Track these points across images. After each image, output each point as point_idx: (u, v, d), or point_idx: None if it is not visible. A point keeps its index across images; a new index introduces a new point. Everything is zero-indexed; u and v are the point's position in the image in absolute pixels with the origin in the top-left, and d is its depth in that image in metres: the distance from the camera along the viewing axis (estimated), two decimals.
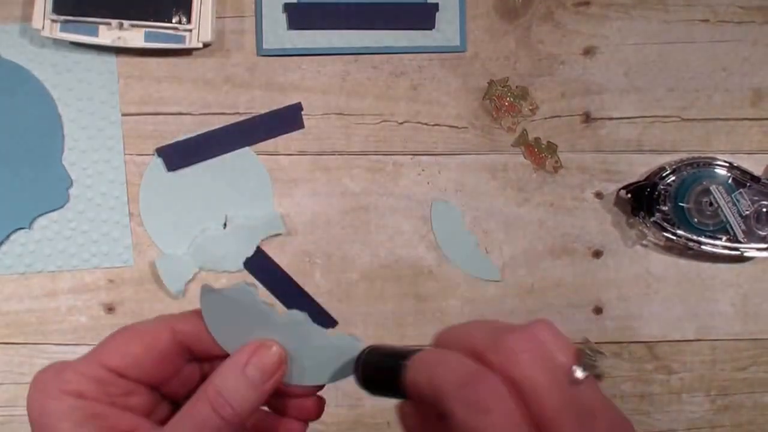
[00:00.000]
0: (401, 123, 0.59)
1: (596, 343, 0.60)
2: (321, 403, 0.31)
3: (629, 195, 0.58)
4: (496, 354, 0.24)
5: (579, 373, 0.24)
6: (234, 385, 0.28)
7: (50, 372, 0.28)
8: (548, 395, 0.23)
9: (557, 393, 0.23)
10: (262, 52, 0.59)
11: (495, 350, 0.24)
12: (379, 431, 0.59)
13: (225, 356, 0.29)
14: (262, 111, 0.59)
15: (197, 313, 0.30)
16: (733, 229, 0.57)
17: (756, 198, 0.57)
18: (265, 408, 0.31)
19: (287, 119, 0.59)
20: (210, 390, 0.27)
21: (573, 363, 0.24)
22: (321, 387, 0.31)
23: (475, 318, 0.59)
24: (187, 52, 0.59)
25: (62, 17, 0.55)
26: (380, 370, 0.28)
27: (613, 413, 0.24)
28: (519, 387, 0.23)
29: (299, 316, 0.30)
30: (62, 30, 0.56)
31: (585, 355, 0.25)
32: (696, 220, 0.57)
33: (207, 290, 0.30)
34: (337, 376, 0.30)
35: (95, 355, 0.28)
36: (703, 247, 0.57)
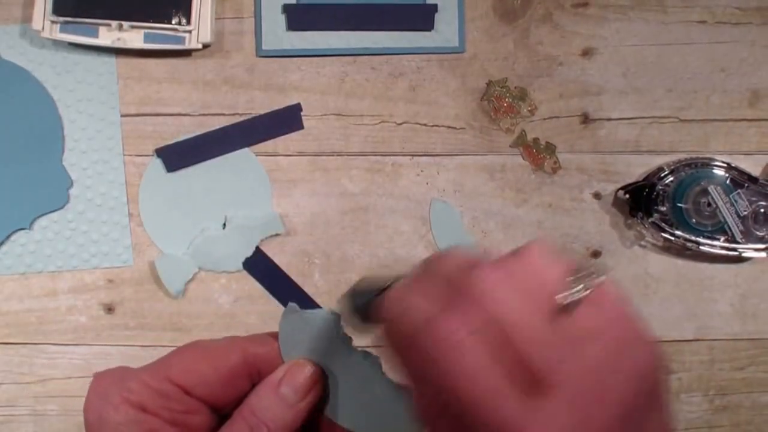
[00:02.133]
0: (400, 124, 0.60)
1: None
2: None
3: (627, 195, 0.58)
4: (459, 293, 0.22)
5: (566, 298, 0.22)
6: (268, 405, 0.27)
7: (113, 377, 0.27)
8: (523, 330, 0.21)
9: (533, 326, 0.21)
10: (261, 53, 0.59)
11: (470, 283, 0.22)
12: None
13: None
14: (262, 112, 0.59)
15: (269, 337, 0.29)
16: (731, 230, 0.57)
17: (754, 198, 0.57)
18: None
19: (286, 120, 0.59)
20: (245, 410, 0.27)
21: (560, 285, 0.22)
22: None
23: None
24: (186, 53, 0.59)
25: (62, 18, 0.56)
26: (364, 302, 0.28)
27: (616, 331, 0.22)
28: (486, 327, 0.21)
29: (372, 359, 0.29)
30: (62, 31, 0.56)
31: (579, 274, 0.23)
32: (694, 220, 0.57)
33: (291, 310, 0.29)
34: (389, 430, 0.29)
35: (161, 367, 0.27)
36: (701, 247, 0.57)
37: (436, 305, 0.23)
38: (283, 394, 0.27)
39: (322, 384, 0.28)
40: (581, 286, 0.22)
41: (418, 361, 0.23)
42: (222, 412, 0.28)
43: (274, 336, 0.29)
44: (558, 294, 0.22)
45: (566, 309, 0.22)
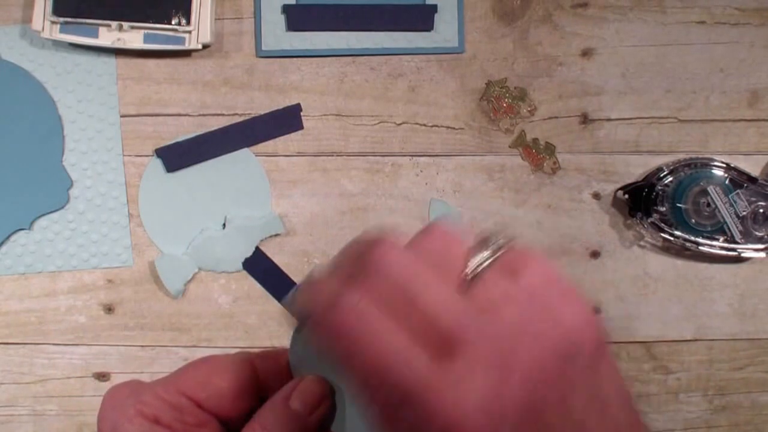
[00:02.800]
0: (399, 124, 0.60)
1: None
2: None
3: (627, 196, 0.58)
4: (375, 261, 0.22)
5: (476, 267, 0.21)
6: (278, 419, 0.27)
7: (127, 389, 0.27)
8: (432, 297, 0.20)
9: (443, 294, 0.21)
10: (260, 54, 0.59)
11: (376, 257, 0.22)
12: None
13: None
14: (261, 112, 0.59)
15: (282, 353, 0.29)
16: (730, 230, 0.57)
17: (753, 199, 0.57)
18: None
19: (286, 120, 0.59)
20: (256, 424, 0.27)
21: (469, 256, 0.22)
22: None
23: None
24: (186, 53, 0.59)
25: (62, 19, 0.56)
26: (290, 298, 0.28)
27: (534, 294, 0.21)
28: (402, 294, 0.21)
29: None
30: (62, 31, 0.56)
31: (487, 242, 0.22)
32: (693, 220, 0.57)
33: (299, 328, 0.29)
34: None
35: (174, 381, 0.27)
36: (700, 247, 0.58)
37: (342, 283, 0.22)
38: (293, 408, 0.27)
39: (332, 399, 0.29)
40: (487, 253, 0.22)
41: (331, 345, 0.22)
42: (231, 426, 0.29)
43: (285, 352, 0.29)
44: (469, 261, 0.22)
45: (477, 279, 0.22)
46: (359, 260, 0.22)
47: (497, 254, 0.22)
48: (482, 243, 0.22)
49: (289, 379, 0.28)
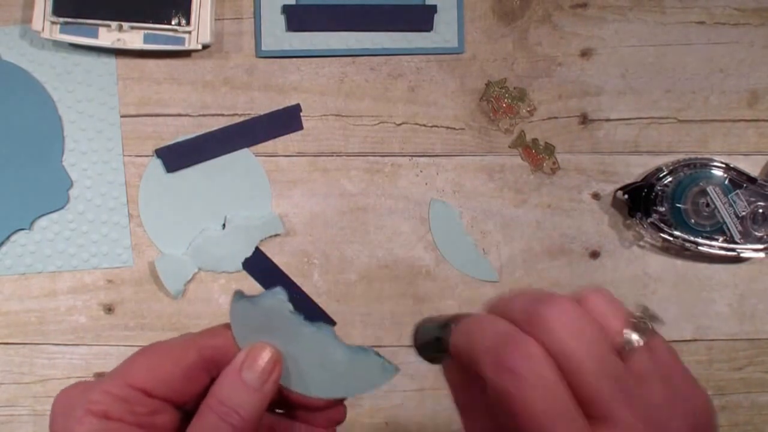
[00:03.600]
0: (399, 124, 0.60)
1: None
2: (344, 411, 0.32)
3: (626, 196, 0.58)
4: (530, 324, 0.24)
5: (628, 341, 0.23)
6: (233, 392, 0.28)
7: (76, 391, 0.28)
8: (584, 364, 0.22)
9: (594, 362, 0.22)
10: (260, 54, 0.59)
11: (530, 319, 0.24)
12: (377, 431, 0.59)
13: None
14: (261, 112, 0.59)
15: (223, 328, 0.30)
16: (729, 230, 0.57)
17: (752, 199, 0.57)
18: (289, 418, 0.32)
19: (286, 120, 0.59)
20: (212, 400, 0.28)
21: (621, 330, 0.23)
22: (342, 399, 0.31)
23: None
24: (186, 53, 0.59)
25: (62, 19, 0.56)
26: (431, 336, 0.29)
27: (672, 376, 0.24)
28: (555, 357, 0.22)
29: (324, 328, 0.30)
30: (62, 32, 0.56)
31: (635, 322, 0.24)
32: (693, 221, 0.57)
33: (238, 297, 0.30)
34: (359, 389, 0.30)
35: (121, 373, 0.28)
36: (699, 247, 0.58)
37: (508, 333, 0.24)
38: (246, 379, 0.28)
39: (281, 364, 0.29)
40: (639, 333, 0.24)
41: (492, 382, 0.23)
42: (186, 407, 0.29)
43: (227, 327, 0.30)
44: (619, 338, 0.24)
45: (624, 353, 0.23)
46: (527, 312, 0.24)
47: (646, 337, 0.24)
48: (633, 322, 0.24)
49: (236, 351, 0.29)
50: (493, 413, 0.24)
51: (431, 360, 0.29)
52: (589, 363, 0.22)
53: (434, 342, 0.28)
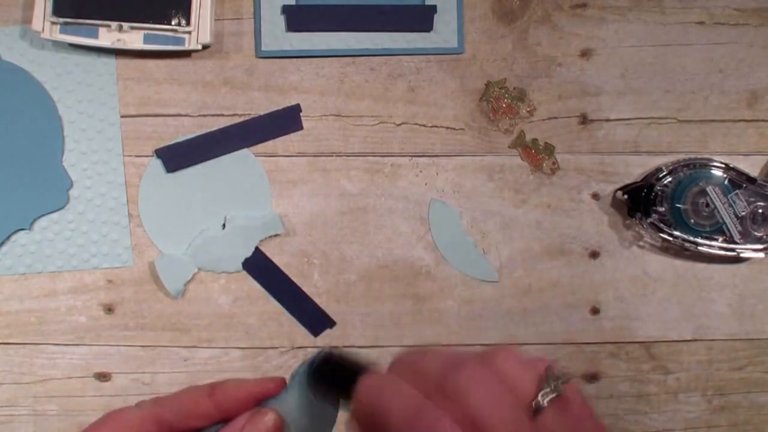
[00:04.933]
0: (399, 124, 0.60)
1: (594, 343, 0.60)
2: None
3: (626, 196, 0.58)
4: (442, 390, 0.24)
5: (541, 398, 0.24)
6: None
7: None
8: (504, 428, 0.23)
9: (513, 425, 0.23)
10: (260, 54, 0.59)
11: (447, 385, 0.24)
12: None
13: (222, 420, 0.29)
14: (261, 112, 0.59)
15: (178, 397, 0.29)
16: (729, 230, 0.57)
17: (752, 199, 0.57)
18: None
19: (286, 120, 0.59)
20: None
21: (532, 389, 0.24)
22: None
23: (473, 318, 0.60)
24: (186, 53, 0.59)
25: (62, 19, 0.56)
26: (333, 379, 0.28)
27: (582, 426, 0.24)
28: (468, 424, 0.23)
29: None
30: (62, 32, 0.56)
31: (547, 381, 0.25)
32: (692, 221, 0.57)
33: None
34: None
35: None
36: (699, 248, 0.58)
37: (419, 400, 0.24)
38: None
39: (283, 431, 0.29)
40: (550, 389, 0.24)
41: None
42: None
43: (188, 389, 0.29)
44: (531, 398, 0.24)
45: (537, 411, 0.24)
46: (437, 378, 0.24)
47: (558, 393, 0.24)
48: (545, 380, 0.25)
49: (190, 425, 0.28)
50: None
51: (325, 392, 0.29)
52: (508, 425, 0.23)
53: (340, 379, 0.28)
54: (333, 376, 0.29)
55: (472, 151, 0.60)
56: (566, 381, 0.25)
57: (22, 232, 0.58)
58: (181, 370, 0.59)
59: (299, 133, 0.60)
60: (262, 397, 0.29)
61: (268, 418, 0.28)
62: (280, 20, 0.59)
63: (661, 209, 0.58)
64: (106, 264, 0.59)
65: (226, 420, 0.29)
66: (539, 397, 0.24)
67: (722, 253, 0.58)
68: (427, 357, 0.26)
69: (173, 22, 0.57)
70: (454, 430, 0.22)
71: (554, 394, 0.24)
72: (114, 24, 0.56)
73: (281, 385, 0.30)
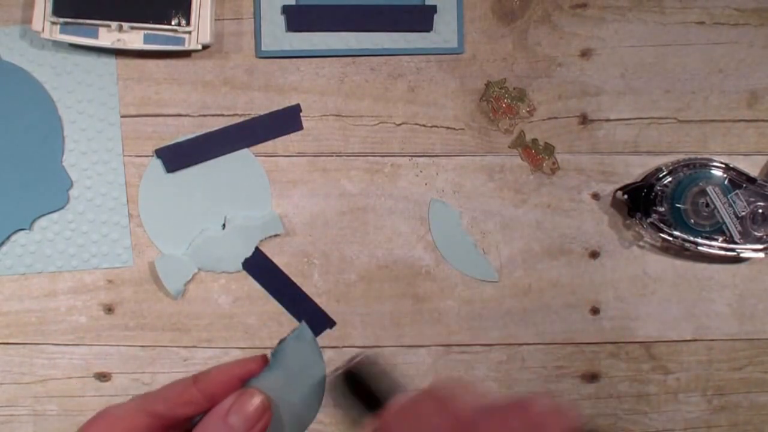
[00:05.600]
0: (399, 124, 0.60)
1: (594, 343, 0.60)
2: None
3: (626, 196, 0.58)
4: (481, 429, 0.24)
5: None
6: None
7: None
8: None
9: None
10: (260, 54, 0.59)
11: (481, 425, 0.24)
12: None
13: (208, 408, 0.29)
14: (261, 112, 0.59)
15: (174, 384, 0.30)
16: (729, 230, 0.57)
17: (752, 199, 0.57)
18: None
19: (286, 121, 0.59)
20: None
21: None
22: None
23: (473, 318, 0.60)
24: (186, 53, 0.59)
25: (62, 19, 0.56)
26: (364, 390, 0.29)
27: None
28: None
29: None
30: (62, 32, 0.56)
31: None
32: (692, 221, 0.57)
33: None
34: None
35: None
36: (699, 247, 0.58)
37: None
38: (231, 422, 0.28)
39: (271, 412, 0.29)
40: None
41: None
42: None
43: (178, 383, 0.29)
44: None
45: None
46: (464, 421, 0.24)
47: None
48: (582, 428, 0.24)
49: (182, 418, 0.28)
50: None
51: (350, 402, 0.29)
52: None
53: (367, 394, 0.28)
54: (366, 383, 0.29)
55: (472, 151, 0.60)
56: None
57: (22, 232, 0.58)
58: (181, 370, 0.59)
59: (299, 133, 0.60)
60: (246, 377, 0.29)
61: (255, 399, 0.28)
62: (280, 20, 0.59)
63: (661, 209, 0.58)
64: (106, 264, 0.59)
65: (214, 402, 0.29)
66: None
67: (722, 253, 0.58)
68: (462, 393, 0.26)
69: (173, 22, 0.57)
70: None
71: None
72: (114, 24, 0.56)
73: (263, 363, 0.30)
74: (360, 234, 0.60)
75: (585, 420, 0.25)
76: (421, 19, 0.59)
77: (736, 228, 0.57)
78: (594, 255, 0.60)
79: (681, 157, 0.60)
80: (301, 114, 0.59)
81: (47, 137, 0.58)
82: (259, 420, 0.28)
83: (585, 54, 0.60)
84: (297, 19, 0.59)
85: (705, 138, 0.61)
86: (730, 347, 0.61)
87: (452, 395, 0.26)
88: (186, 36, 0.57)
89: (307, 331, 0.30)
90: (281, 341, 0.30)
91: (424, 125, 0.60)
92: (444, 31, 0.60)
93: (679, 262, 0.61)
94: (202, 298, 0.59)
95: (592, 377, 0.60)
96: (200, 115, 0.59)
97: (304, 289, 0.59)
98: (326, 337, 0.59)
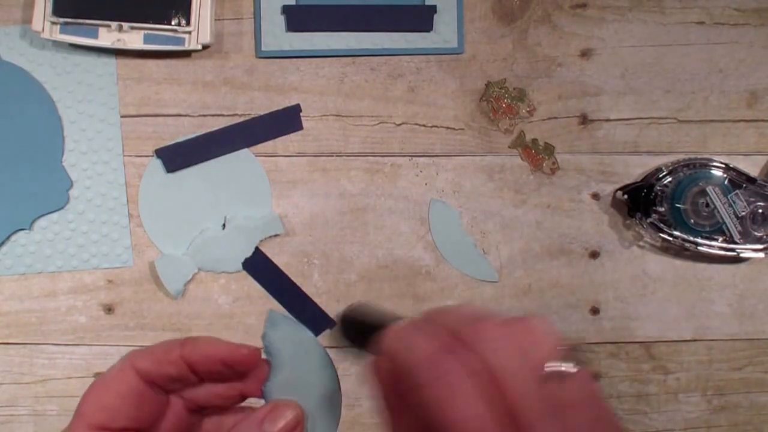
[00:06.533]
0: (399, 124, 0.60)
1: (594, 343, 0.60)
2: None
3: (626, 196, 0.58)
4: (468, 339, 0.24)
5: (556, 368, 0.24)
6: None
7: None
8: (516, 383, 0.23)
9: (525, 383, 0.23)
10: (260, 54, 0.59)
11: (468, 336, 0.25)
12: (377, 431, 0.59)
13: (196, 382, 0.29)
14: (261, 112, 0.59)
15: (154, 346, 0.30)
16: (729, 230, 0.57)
17: (752, 199, 0.57)
18: None
19: (286, 121, 0.59)
20: None
21: (553, 358, 0.24)
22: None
23: None
24: (186, 53, 0.59)
25: (62, 19, 0.56)
26: (366, 325, 0.29)
27: (595, 411, 0.24)
28: (488, 372, 0.23)
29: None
30: (62, 32, 0.56)
31: (569, 353, 0.25)
32: (692, 221, 0.57)
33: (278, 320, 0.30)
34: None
35: (79, 418, 0.28)
36: (699, 248, 0.58)
37: (439, 346, 0.25)
38: (266, 430, 0.28)
39: (304, 425, 0.29)
40: (570, 363, 0.25)
41: (411, 395, 0.24)
42: (158, 427, 0.29)
43: (165, 343, 0.30)
44: (551, 364, 0.24)
45: (552, 377, 0.24)
46: (457, 330, 0.25)
47: (577, 367, 0.25)
48: (566, 351, 0.25)
49: (172, 367, 0.29)
50: (418, 415, 0.24)
51: (352, 342, 0.30)
52: (520, 381, 0.23)
53: (366, 330, 0.29)
54: (360, 327, 0.29)
55: (472, 151, 0.60)
56: (582, 364, 0.25)
57: (22, 232, 0.58)
58: None
59: (299, 133, 0.60)
60: (230, 361, 0.29)
61: (289, 412, 0.29)
62: (280, 20, 0.59)
63: (661, 209, 0.58)
64: (106, 264, 0.59)
65: (195, 372, 0.29)
66: (552, 366, 0.24)
67: (722, 253, 0.58)
68: (453, 310, 0.27)
69: (173, 22, 0.57)
70: (463, 380, 0.23)
71: (567, 368, 0.25)
72: (114, 24, 0.56)
73: (255, 355, 0.30)
74: (360, 234, 0.60)
75: (574, 347, 0.26)
76: (421, 19, 0.59)
77: (736, 228, 0.57)
78: (594, 255, 0.60)
79: (681, 157, 0.60)
80: (301, 114, 0.59)
81: (47, 137, 0.58)
82: (292, 431, 0.28)
83: (585, 54, 0.60)
84: (297, 19, 0.59)
85: (705, 138, 0.61)
86: (730, 347, 0.61)
87: (446, 313, 0.27)
88: (186, 36, 0.57)
89: (275, 314, 0.31)
90: (263, 337, 0.30)
91: (424, 125, 0.60)
92: (444, 31, 0.60)
93: (679, 262, 0.61)
94: (202, 298, 0.59)
95: (592, 377, 0.60)
96: (200, 115, 0.59)
97: (304, 289, 0.59)
98: (326, 337, 0.59)
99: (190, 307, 0.59)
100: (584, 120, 0.60)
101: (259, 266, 0.59)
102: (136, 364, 0.29)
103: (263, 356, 0.31)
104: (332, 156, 0.60)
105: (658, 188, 0.58)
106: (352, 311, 0.30)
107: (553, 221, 0.60)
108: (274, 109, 0.59)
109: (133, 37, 0.57)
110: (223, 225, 0.59)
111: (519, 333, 0.25)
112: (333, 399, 0.31)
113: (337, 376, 0.31)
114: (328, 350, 0.32)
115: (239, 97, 0.59)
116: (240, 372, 0.30)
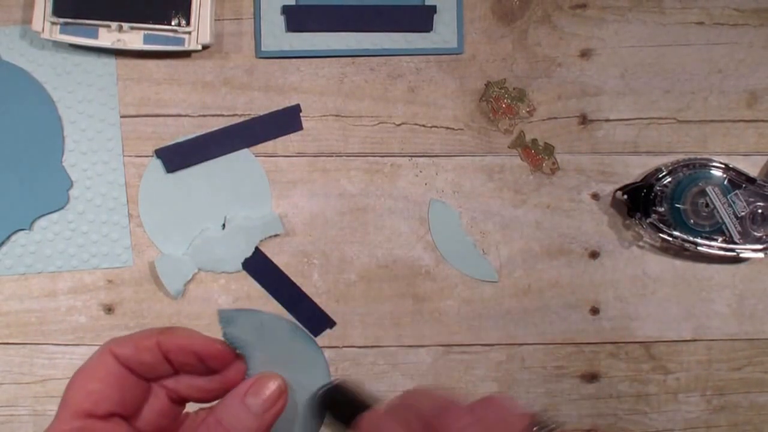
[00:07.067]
0: (399, 125, 0.60)
1: (594, 343, 0.60)
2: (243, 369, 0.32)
3: (626, 196, 0.58)
4: (443, 427, 0.25)
5: None
6: (235, 414, 0.28)
7: None
8: None
9: None
10: (260, 54, 0.59)
11: (444, 424, 0.25)
12: None
13: (171, 372, 0.30)
14: (261, 113, 0.59)
15: (137, 333, 0.30)
16: (728, 230, 0.57)
17: (751, 199, 0.57)
18: None
19: (285, 121, 0.59)
20: (211, 419, 0.28)
21: None
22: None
23: (473, 318, 0.60)
24: (185, 54, 0.59)
25: (62, 20, 0.56)
26: (339, 410, 0.30)
27: None
28: None
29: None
30: (62, 32, 0.56)
31: (538, 421, 0.26)
32: (692, 221, 0.57)
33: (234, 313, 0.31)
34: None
35: (64, 407, 0.28)
36: (699, 248, 0.58)
37: None
38: (248, 404, 0.28)
39: (287, 395, 0.29)
40: (545, 429, 0.25)
41: None
42: (138, 422, 0.30)
43: (139, 333, 0.30)
44: None
45: None
46: (428, 421, 0.26)
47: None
48: (536, 426, 0.26)
49: (145, 354, 0.29)
50: None
51: (333, 419, 0.31)
52: None
53: (346, 411, 0.30)
54: (341, 405, 0.30)
55: (472, 151, 0.60)
56: (555, 426, 0.26)
57: (22, 232, 0.58)
58: None
59: (299, 133, 0.60)
60: (203, 354, 0.29)
61: (272, 382, 0.29)
62: (280, 20, 0.59)
63: (661, 209, 0.58)
64: (106, 264, 0.59)
65: (169, 361, 0.29)
66: None
67: (722, 253, 0.58)
68: (423, 397, 0.28)
69: (173, 23, 0.57)
70: None
71: None
72: (114, 24, 0.56)
73: (228, 351, 0.30)
74: (360, 234, 0.60)
75: (542, 414, 0.26)
76: (421, 20, 0.59)
77: (735, 228, 0.57)
78: (594, 255, 0.60)
79: (681, 157, 0.60)
80: (301, 114, 0.59)
81: (47, 137, 0.58)
82: (275, 403, 0.29)
83: (585, 54, 0.60)
84: (297, 19, 0.59)
85: (705, 138, 0.61)
86: (729, 347, 0.61)
87: (421, 398, 0.28)
88: (186, 36, 0.57)
89: (225, 312, 0.31)
90: (223, 336, 0.31)
91: (423, 125, 0.60)
92: (444, 32, 0.60)
93: (678, 262, 0.61)
94: (202, 298, 0.59)
95: (592, 377, 0.60)
96: (200, 116, 0.59)
97: (304, 289, 0.59)
98: (326, 337, 0.59)
99: (190, 307, 0.59)
100: (584, 120, 0.60)
101: (259, 266, 0.59)
102: (114, 350, 0.29)
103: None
104: (332, 156, 0.60)
105: (658, 188, 0.58)
106: (332, 390, 0.31)
107: (553, 221, 0.60)
108: (274, 109, 0.59)
109: (133, 38, 0.57)
110: (223, 225, 0.59)
111: (487, 418, 0.25)
112: (315, 361, 0.31)
113: (312, 338, 0.32)
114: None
115: (239, 98, 0.59)
116: (213, 368, 0.30)
